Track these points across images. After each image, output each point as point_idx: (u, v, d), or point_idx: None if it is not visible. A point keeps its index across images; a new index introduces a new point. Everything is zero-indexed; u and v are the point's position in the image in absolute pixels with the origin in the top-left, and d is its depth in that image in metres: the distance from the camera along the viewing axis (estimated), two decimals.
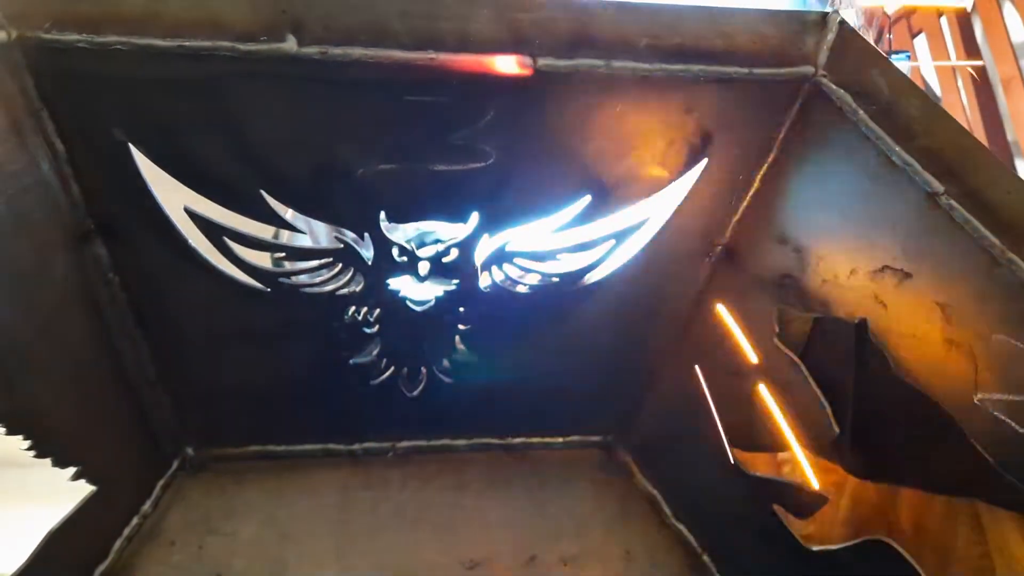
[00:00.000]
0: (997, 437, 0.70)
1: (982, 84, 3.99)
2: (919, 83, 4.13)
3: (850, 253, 0.76)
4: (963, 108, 4.19)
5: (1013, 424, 0.69)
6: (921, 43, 4.48)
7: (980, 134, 4.09)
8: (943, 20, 4.34)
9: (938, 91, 4.28)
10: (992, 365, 0.69)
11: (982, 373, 0.70)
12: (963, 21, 4.25)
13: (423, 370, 0.92)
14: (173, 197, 0.74)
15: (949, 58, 4.32)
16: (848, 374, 0.86)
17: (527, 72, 0.69)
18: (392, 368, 0.91)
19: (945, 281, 0.70)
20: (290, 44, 0.64)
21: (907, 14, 4.40)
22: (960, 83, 4.19)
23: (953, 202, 0.67)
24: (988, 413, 0.70)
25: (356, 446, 1.01)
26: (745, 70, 0.72)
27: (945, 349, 0.72)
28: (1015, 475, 0.72)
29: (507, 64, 0.69)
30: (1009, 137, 4.07)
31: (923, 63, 4.29)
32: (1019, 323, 0.66)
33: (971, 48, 4.22)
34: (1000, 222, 0.65)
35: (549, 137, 0.75)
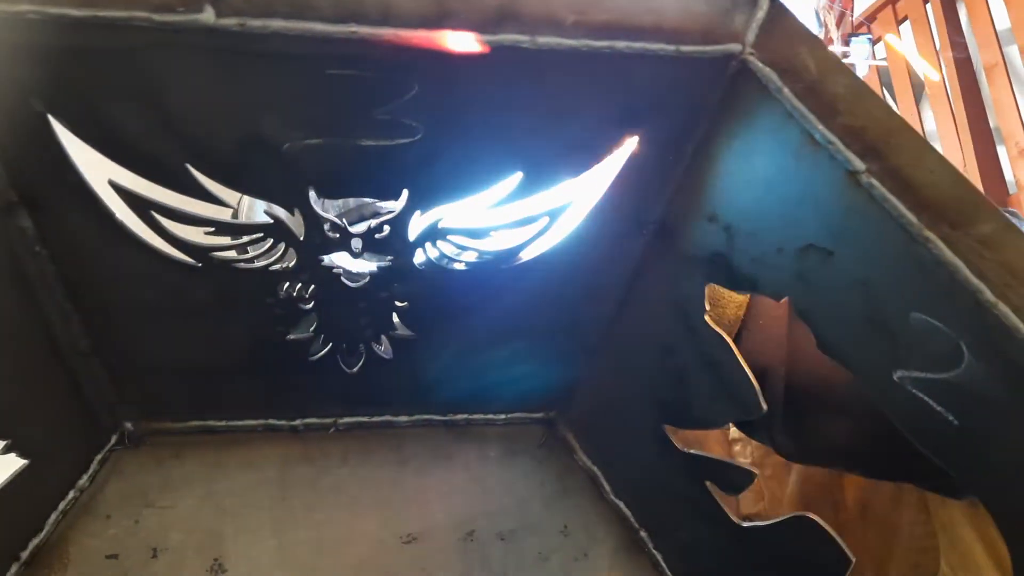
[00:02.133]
0: (917, 416, 0.71)
1: (965, 70, 3.99)
2: (904, 69, 4.13)
3: (777, 231, 0.76)
4: (946, 94, 4.20)
5: (930, 401, 0.70)
6: (906, 31, 4.48)
7: (963, 121, 4.10)
8: (928, 7, 4.34)
9: (921, 77, 4.28)
10: (910, 343, 0.70)
11: (901, 351, 0.71)
12: (948, 7, 4.25)
13: (361, 347, 0.92)
14: (97, 170, 0.73)
15: (935, 45, 4.31)
16: (779, 355, 0.87)
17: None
18: (330, 345, 0.91)
19: (865, 259, 0.71)
20: (208, 15, 0.64)
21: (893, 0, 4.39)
22: (944, 70, 4.19)
23: (873, 180, 0.67)
24: (907, 391, 0.71)
25: (298, 422, 1.01)
26: (672, 47, 0.72)
27: (865, 327, 0.72)
28: (935, 455, 0.73)
29: (439, 39, 0.69)
30: (992, 123, 4.08)
31: (908, 49, 4.29)
32: (936, 301, 0.67)
33: (956, 35, 4.22)
34: (920, 200, 0.66)
35: (476, 113, 0.75)
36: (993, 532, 0.92)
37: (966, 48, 4.11)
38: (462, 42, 0.69)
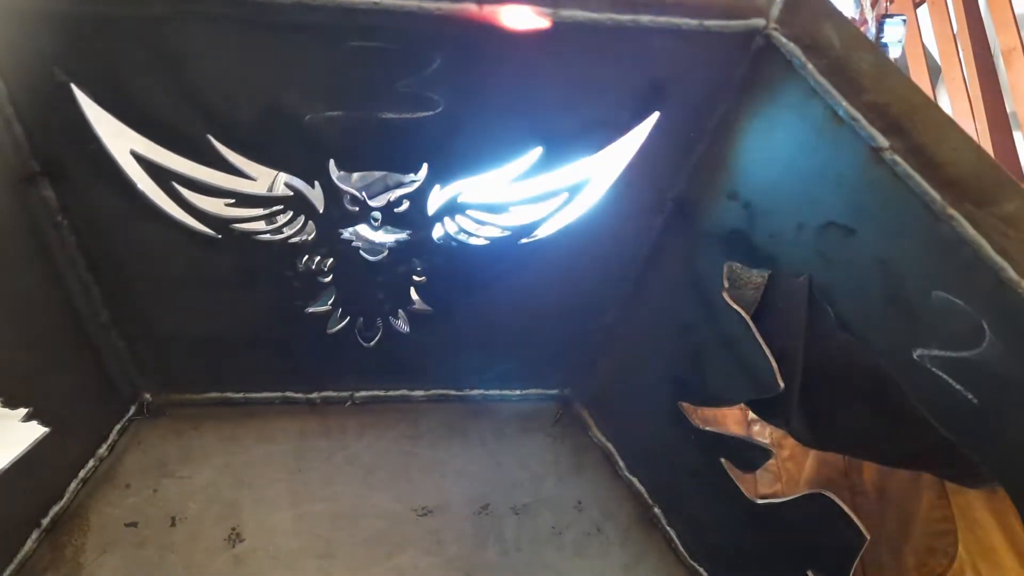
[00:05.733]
0: (936, 394, 0.71)
1: (982, 55, 3.94)
2: (920, 53, 4.09)
3: (797, 209, 0.76)
4: (963, 78, 4.15)
5: (950, 380, 0.70)
6: (923, 13, 4.42)
7: (979, 105, 4.05)
8: None
9: (939, 60, 4.23)
10: (931, 321, 0.69)
11: (921, 329, 0.70)
12: None
13: (379, 321, 0.92)
14: (119, 140, 0.73)
15: (952, 27, 4.26)
16: (798, 335, 0.86)
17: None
18: (348, 318, 0.91)
19: (887, 237, 0.70)
20: None
21: None
22: (961, 53, 4.13)
23: (897, 157, 0.66)
24: (927, 369, 0.71)
25: (315, 395, 1.02)
26: (695, 22, 0.71)
27: (886, 305, 0.72)
28: (954, 434, 0.73)
29: (463, 12, 0.68)
30: (1008, 108, 4.03)
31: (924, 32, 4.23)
32: (958, 279, 0.66)
33: (974, 18, 4.16)
34: (943, 178, 0.65)
35: (498, 87, 0.75)
36: (1011, 517, 0.92)
37: (983, 31, 4.06)
38: (485, 15, 0.68)
